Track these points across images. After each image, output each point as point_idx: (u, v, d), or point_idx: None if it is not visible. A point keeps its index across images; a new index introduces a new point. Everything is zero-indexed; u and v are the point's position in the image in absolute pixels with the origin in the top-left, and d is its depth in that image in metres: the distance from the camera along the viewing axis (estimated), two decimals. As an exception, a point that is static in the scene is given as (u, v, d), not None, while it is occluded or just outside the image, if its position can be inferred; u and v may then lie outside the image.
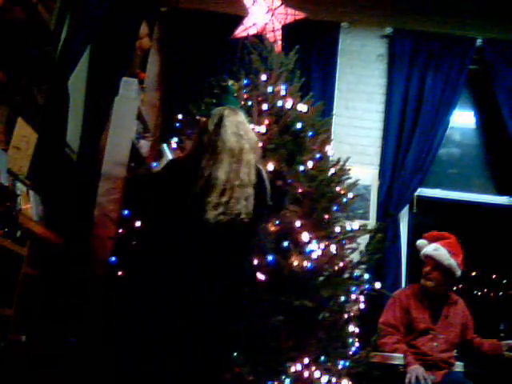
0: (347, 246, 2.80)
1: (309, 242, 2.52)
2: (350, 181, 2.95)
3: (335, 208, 2.78)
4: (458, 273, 3.01)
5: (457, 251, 3.05)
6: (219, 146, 2.05)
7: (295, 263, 2.44)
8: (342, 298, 2.63)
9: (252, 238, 2.15)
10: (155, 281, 2.00)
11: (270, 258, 2.39)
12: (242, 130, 2.11)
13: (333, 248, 2.60)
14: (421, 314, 2.97)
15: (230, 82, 2.61)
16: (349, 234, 2.80)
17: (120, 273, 2.49)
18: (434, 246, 3.07)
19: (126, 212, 2.67)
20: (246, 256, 2.14)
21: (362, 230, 2.86)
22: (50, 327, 2.60)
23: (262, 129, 2.72)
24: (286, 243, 2.48)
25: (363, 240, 3.03)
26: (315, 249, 2.50)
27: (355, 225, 2.86)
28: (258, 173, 2.11)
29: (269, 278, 2.40)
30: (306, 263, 2.45)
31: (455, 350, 3.03)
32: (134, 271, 2.32)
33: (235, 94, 2.48)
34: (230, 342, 2.08)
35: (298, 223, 2.53)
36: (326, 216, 2.68)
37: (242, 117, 2.18)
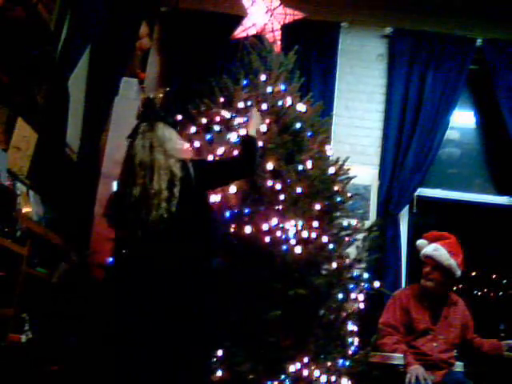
0: (346, 245, 2.80)
1: (308, 240, 2.53)
2: (349, 181, 2.95)
3: (334, 207, 2.78)
4: (458, 273, 3.01)
5: (457, 251, 3.05)
6: (130, 166, 2.13)
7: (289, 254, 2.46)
8: (340, 296, 2.63)
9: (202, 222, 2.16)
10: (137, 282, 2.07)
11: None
12: (157, 143, 2.15)
13: (331, 245, 2.61)
14: (421, 315, 2.96)
15: (152, 95, 2.60)
16: (347, 231, 2.81)
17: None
18: (433, 246, 3.06)
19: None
20: (203, 244, 2.14)
21: (361, 227, 2.87)
22: (50, 327, 2.60)
23: (262, 128, 2.72)
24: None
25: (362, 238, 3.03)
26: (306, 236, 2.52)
27: (353, 222, 2.86)
28: (183, 166, 2.14)
29: (263, 266, 2.42)
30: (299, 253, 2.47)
31: (455, 351, 3.03)
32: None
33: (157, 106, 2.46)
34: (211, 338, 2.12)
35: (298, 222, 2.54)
36: (325, 215, 2.68)
37: (161, 131, 2.20)
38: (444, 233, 3.18)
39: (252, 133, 2.43)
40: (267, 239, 2.49)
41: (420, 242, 3.18)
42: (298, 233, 2.54)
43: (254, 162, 2.33)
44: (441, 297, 3.04)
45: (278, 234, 2.51)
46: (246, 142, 2.38)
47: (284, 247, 2.49)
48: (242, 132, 2.60)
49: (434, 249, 3.04)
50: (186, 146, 2.35)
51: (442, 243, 3.06)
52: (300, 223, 2.54)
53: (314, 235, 2.58)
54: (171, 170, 2.10)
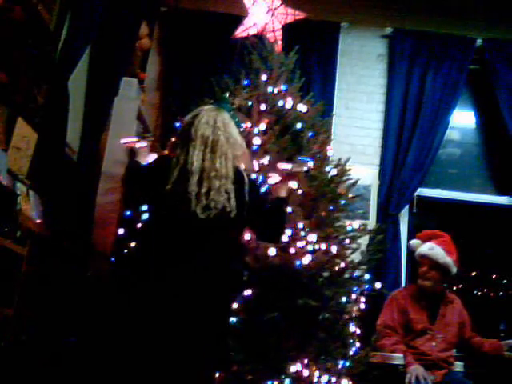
0: (348, 246, 2.80)
1: (310, 242, 2.52)
2: (350, 181, 2.95)
3: (335, 208, 2.78)
4: (454, 270, 3.02)
5: (451, 249, 3.06)
6: (191, 133, 2.03)
7: (297, 262, 2.45)
8: (343, 299, 2.64)
9: (237, 237, 2.07)
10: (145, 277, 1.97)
11: (272, 253, 2.40)
12: (221, 124, 2.06)
13: (334, 248, 2.61)
14: (418, 315, 2.97)
15: (227, 94, 2.65)
16: (349, 233, 2.81)
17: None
18: (429, 245, 3.07)
19: (128, 213, 2.67)
20: (232, 255, 2.03)
21: (363, 230, 2.87)
22: (50, 327, 2.60)
23: (262, 128, 2.72)
24: (287, 242, 2.49)
25: (364, 240, 3.03)
26: (316, 247, 2.51)
27: (356, 224, 2.86)
28: (238, 172, 2.04)
29: (272, 276, 2.41)
30: (307, 262, 2.46)
31: (454, 350, 3.03)
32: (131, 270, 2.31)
33: (229, 105, 2.43)
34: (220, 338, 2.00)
35: (299, 223, 2.54)
36: (327, 216, 2.68)
37: (225, 115, 2.11)
38: (437, 231, 3.19)
39: (283, 194, 2.23)
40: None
41: (414, 242, 3.18)
42: (306, 238, 2.53)
43: (284, 228, 2.20)
44: (437, 296, 3.04)
45: (286, 239, 2.50)
46: (277, 206, 2.17)
47: (293, 256, 2.48)
48: None
49: (429, 248, 3.05)
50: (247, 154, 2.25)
51: (437, 242, 3.07)
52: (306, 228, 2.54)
53: (323, 244, 2.57)
54: (229, 163, 1.98)
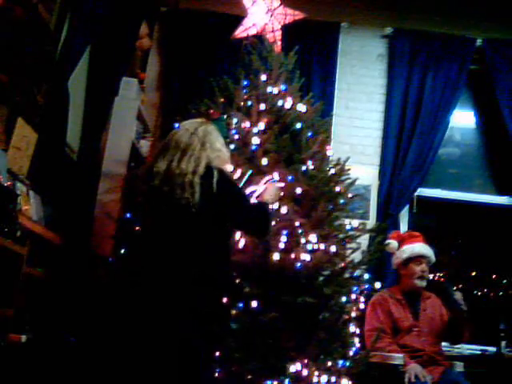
0: (348, 246, 2.80)
1: (309, 241, 2.52)
2: (349, 181, 2.96)
3: (334, 207, 2.78)
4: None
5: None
6: (169, 142, 2.14)
7: (297, 262, 2.45)
8: (343, 299, 2.64)
9: (208, 235, 2.06)
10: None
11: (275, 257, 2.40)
12: (201, 132, 2.13)
13: (333, 247, 2.61)
14: (402, 313, 2.99)
15: (225, 116, 2.70)
16: (349, 233, 2.81)
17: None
18: (420, 244, 3.10)
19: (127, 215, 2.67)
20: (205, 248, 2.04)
21: (362, 229, 2.87)
22: (50, 327, 2.60)
23: (261, 127, 2.72)
24: (286, 241, 2.49)
25: (363, 240, 3.03)
26: (315, 247, 2.51)
27: (355, 224, 2.86)
28: (208, 168, 2.06)
29: (270, 275, 2.41)
30: (306, 261, 2.46)
31: (442, 343, 3.04)
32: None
33: (224, 123, 2.54)
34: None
35: (297, 222, 2.54)
36: (326, 216, 2.68)
37: (210, 127, 2.19)
38: (411, 231, 3.29)
39: (266, 200, 2.32)
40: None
41: (392, 243, 3.15)
42: (305, 237, 2.53)
43: (267, 224, 2.23)
44: (417, 294, 3.06)
45: (284, 239, 2.50)
46: (259, 206, 2.28)
47: (293, 255, 2.48)
48: None
49: (422, 247, 3.09)
50: (229, 164, 2.30)
51: (421, 240, 3.13)
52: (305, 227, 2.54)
53: (322, 244, 2.57)
54: (200, 162, 2.05)
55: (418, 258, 3.06)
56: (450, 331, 3.03)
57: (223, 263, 2.09)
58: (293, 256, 2.47)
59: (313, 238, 2.54)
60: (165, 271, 1.98)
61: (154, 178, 2.07)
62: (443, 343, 3.10)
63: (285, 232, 2.50)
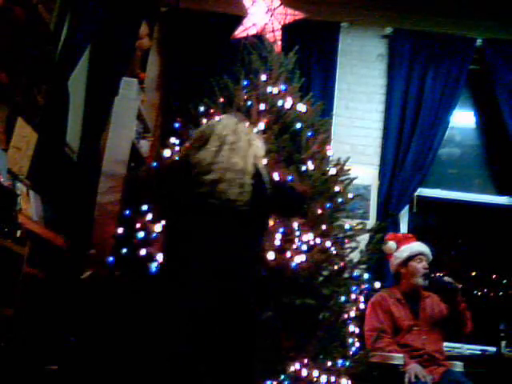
0: (347, 246, 2.80)
1: (308, 241, 2.53)
2: (349, 181, 2.96)
3: (332, 206, 2.78)
4: None
5: None
6: (207, 133, 2.07)
7: (295, 261, 2.45)
8: (343, 298, 2.64)
9: (255, 233, 2.05)
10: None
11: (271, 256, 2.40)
12: (243, 128, 2.11)
13: (332, 247, 2.61)
14: (402, 313, 2.99)
15: None
16: (348, 233, 2.81)
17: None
18: (418, 243, 3.12)
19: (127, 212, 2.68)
20: (249, 250, 2.01)
21: (362, 229, 2.87)
22: (49, 327, 2.60)
23: (261, 127, 2.73)
24: (281, 240, 2.49)
25: (363, 240, 3.03)
26: (314, 247, 2.51)
27: (355, 224, 2.86)
28: (257, 169, 2.04)
29: (270, 276, 2.41)
30: (305, 261, 2.46)
31: (444, 343, 3.04)
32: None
33: None
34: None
35: (296, 222, 2.54)
36: (326, 215, 2.68)
37: (246, 125, 2.17)
38: (405, 233, 3.38)
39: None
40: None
41: (390, 243, 3.17)
42: (301, 236, 2.53)
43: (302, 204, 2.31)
44: (416, 293, 3.07)
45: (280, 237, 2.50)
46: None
47: (289, 255, 2.48)
48: None
49: (420, 245, 3.12)
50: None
51: (415, 240, 3.16)
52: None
53: (318, 240, 2.57)
54: (248, 160, 2.01)
55: (418, 256, 3.07)
56: (452, 323, 3.01)
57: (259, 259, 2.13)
58: (290, 256, 2.47)
59: (310, 237, 2.54)
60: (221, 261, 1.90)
61: (193, 168, 1.96)
62: (443, 343, 3.09)
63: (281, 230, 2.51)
